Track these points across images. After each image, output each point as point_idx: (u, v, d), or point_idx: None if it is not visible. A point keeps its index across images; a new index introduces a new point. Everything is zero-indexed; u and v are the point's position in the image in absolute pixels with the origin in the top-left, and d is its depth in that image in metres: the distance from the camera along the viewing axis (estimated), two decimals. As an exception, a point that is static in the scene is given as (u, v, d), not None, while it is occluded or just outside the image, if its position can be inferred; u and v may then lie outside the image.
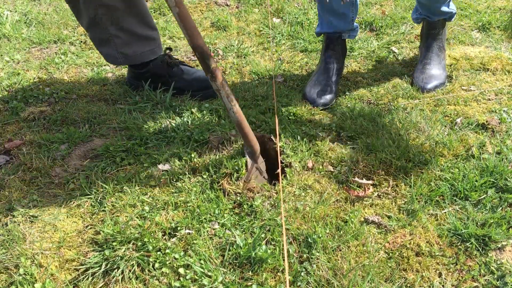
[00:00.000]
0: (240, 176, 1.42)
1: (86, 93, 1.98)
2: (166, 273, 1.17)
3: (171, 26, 2.59)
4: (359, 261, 1.20)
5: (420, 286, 1.15)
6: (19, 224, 1.32)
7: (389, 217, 1.34)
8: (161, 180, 1.45)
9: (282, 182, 1.42)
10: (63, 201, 1.40)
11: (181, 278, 1.15)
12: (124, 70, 2.17)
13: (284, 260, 1.19)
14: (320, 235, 1.25)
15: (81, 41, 2.46)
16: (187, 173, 1.47)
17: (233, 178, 1.42)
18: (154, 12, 2.77)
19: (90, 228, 1.31)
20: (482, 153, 1.53)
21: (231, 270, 1.18)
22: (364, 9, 2.68)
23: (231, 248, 1.22)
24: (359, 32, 2.31)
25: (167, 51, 1.97)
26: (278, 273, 1.17)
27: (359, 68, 2.15)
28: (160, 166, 1.51)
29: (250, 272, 1.17)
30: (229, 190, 1.39)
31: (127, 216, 1.32)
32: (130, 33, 1.82)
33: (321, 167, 1.50)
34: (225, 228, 1.29)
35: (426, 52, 2.01)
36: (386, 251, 1.24)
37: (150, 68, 1.90)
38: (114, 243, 1.22)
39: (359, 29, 2.44)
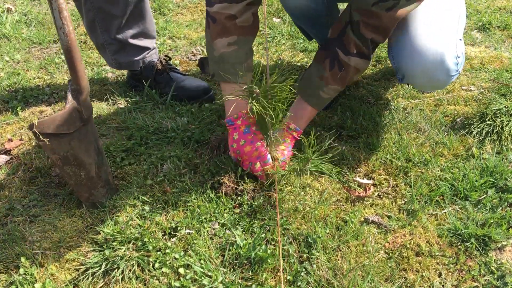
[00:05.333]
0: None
1: (86, 93, 1.97)
2: (166, 273, 1.17)
3: (171, 26, 2.59)
4: (359, 261, 1.20)
5: (420, 286, 1.15)
6: (19, 224, 1.32)
7: (389, 217, 1.34)
8: (162, 180, 1.45)
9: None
10: (63, 201, 1.40)
11: (181, 278, 1.15)
12: (124, 70, 2.17)
13: (284, 259, 1.19)
14: (320, 235, 1.25)
15: (81, 41, 2.46)
16: (187, 173, 1.47)
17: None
18: (154, 12, 2.77)
19: (90, 228, 1.31)
20: (482, 153, 1.53)
21: (231, 270, 1.18)
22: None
23: (231, 248, 1.22)
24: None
25: (164, 57, 1.99)
26: (278, 273, 1.17)
27: (359, 68, 2.15)
28: (161, 166, 1.51)
29: (250, 272, 1.17)
30: (228, 190, 1.39)
31: (127, 216, 1.32)
32: (123, 42, 1.85)
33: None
34: (225, 228, 1.29)
35: None
36: (386, 251, 1.24)
37: (142, 70, 1.93)
38: (114, 243, 1.22)
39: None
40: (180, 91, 1.89)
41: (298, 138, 1.48)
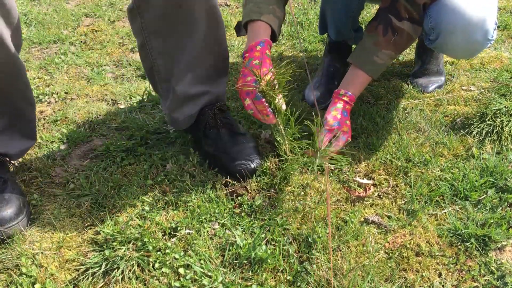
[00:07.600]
0: None
1: (86, 93, 1.98)
2: (166, 273, 1.17)
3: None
4: (359, 261, 1.20)
5: (420, 286, 1.15)
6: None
7: (389, 217, 1.34)
8: (162, 180, 1.45)
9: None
10: (63, 201, 1.40)
11: (181, 278, 1.15)
12: (123, 70, 2.17)
13: (284, 259, 1.19)
14: (320, 235, 1.25)
15: (81, 41, 2.46)
16: (187, 173, 1.47)
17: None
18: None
19: (90, 228, 1.31)
20: (482, 153, 1.53)
21: (231, 270, 1.18)
22: (365, 9, 2.67)
23: (231, 248, 1.22)
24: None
25: (221, 106, 1.52)
26: (278, 273, 1.17)
27: (359, 68, 2.14)
28: (161, 166, 1.51)
29: (250, 272, 1.17)
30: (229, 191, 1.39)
31: (127, 216, 1.32)
32: (181, 96, 1.45)
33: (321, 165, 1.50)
34: (225, 228, 1.29)
35: (423, 60, 1.97)
36: (386, 251, 1.24)
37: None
38: (114, 243, 1.22)
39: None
40: (227, 158, 1.45)
41: (352, 104, 1.50)
